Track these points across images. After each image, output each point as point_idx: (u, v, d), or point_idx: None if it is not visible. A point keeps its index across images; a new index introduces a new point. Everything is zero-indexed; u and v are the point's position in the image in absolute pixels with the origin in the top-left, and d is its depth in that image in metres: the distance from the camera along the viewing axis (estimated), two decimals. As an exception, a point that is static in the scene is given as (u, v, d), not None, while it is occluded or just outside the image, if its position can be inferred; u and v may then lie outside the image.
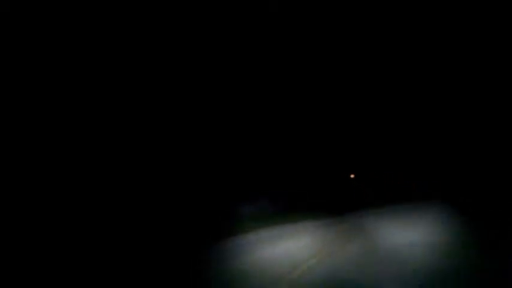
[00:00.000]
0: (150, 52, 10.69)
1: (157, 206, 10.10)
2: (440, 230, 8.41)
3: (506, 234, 6.93)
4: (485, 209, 12.02)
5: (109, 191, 9.10)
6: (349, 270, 5.29)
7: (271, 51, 13.86)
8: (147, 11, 10.45)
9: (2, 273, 5.60)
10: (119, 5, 9.74)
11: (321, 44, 15.05)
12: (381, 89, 18.51)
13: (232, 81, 13.07)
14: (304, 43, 14.60)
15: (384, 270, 5.01)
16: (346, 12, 14.78)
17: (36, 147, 8.22)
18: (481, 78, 17.16)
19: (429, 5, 14.53)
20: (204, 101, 12.44)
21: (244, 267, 6.03)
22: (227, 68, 12.83)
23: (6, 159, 7.73)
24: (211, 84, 12.40)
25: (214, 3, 12.07)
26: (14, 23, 8.28)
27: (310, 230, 10.53)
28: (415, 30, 15.90)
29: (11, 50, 8.42)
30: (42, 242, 6.87)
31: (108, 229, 7.96)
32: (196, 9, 11.67)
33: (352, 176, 23.67)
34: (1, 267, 5.76)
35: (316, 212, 13.46)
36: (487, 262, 5.01)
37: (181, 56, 11.55)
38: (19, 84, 8.42)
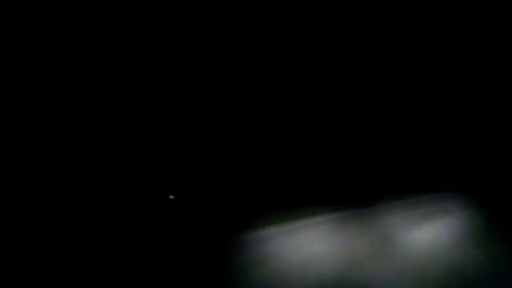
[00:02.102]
0: (150, 51, 10.69)
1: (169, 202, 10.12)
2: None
3: None
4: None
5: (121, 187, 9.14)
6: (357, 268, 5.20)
7: (271, 49, 13.84)
8: (147, 10, 10.45)
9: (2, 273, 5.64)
10: (119, 5, 9.74)
11: (321, 43, 15.03)
12: (381, 89, 18.51)
13: (233, 80, 13.07)
14: (304, 42, 14.57)
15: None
16: (346, 11, 14.74)
17: (31, 147, 8.26)
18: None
19: (429, 5, 14.48)
20: (204, 98, 12.46)
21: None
22: (227, 67, 12.82)
23: (6, 158, 7.77)
24: (211, 82, 12.40)
25: (214, 1, 12.06)
26: (14, 24, 8.30)
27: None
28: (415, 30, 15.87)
29: (11, 50, 8.44)
30: (41, 241, 6.92)
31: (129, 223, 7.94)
32: (195, 7, 11.66)
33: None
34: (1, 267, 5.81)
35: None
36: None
37: (180, 53, 11.56)
38: (19, 84, 8.46)
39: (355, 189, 17.58)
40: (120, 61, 10.03)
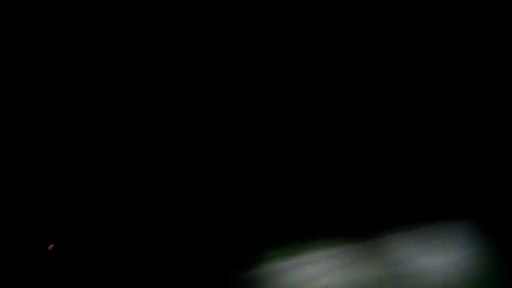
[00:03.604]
0: (150, 51, 10.69)
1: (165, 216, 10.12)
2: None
3: None
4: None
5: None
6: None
7: (271, 49, 13.85)
8: (147, 10, 10.45)
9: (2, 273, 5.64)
10: (119, 5, 9.75)
11: (320, 43, 15.03)
12: (382, 89, 18.52)
13: (232, 81, 13.08)
14: (304, 41, 14.58)
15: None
16: (346, 10, 14.74)
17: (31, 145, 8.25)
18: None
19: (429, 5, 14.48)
20: (204, 98, 12.47)
21: None
22: (227, 67, 12.82)
23: (6, 158, 7.77)
24: (211, 82, 12.40)
25: (214, 1, 12.07)
26: (14, 24, 8.31)
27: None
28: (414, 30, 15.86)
29: (11, 51, 8.44)
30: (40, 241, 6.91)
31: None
32: (194, 6, 11.67)
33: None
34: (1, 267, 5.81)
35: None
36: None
37: (180, 53, 11.56)
38: (19, 84, 8.46)
39: (362, 219, 17.23)
40: (120, 61, 10.03)
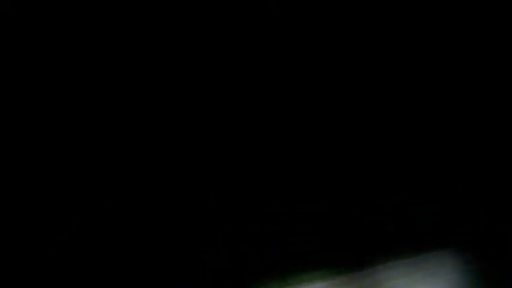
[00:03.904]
0: (150, 51, 10.70)
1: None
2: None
3: None
4: None
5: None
6: None
7: (271, 49, 13.86)
8: (147, 10, 10.45)
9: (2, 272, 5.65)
10: (119, 5, 9.75)
11: (321, 43, 15.04)
12: (382, 89, 18.51)
13: (232, 81, 13.08)
14: (304, 41, 14.58)
15: None
16: (346, 10, 14.74)
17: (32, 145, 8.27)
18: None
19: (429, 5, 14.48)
20: (204, 98, 12.47)
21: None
22: (227, 67, 12.83)
23: (6, 158, 7.78)
24: (211, 82, 12.41)
25: (214, 1, 12.07)
26: (14, 24, 8.31)
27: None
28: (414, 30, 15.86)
29: (11, 50, 8.45)
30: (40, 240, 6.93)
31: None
32: (195, 6, 11.67)
33: None
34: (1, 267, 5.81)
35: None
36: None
37: (180, 53, 11.57)
38: (19, 84, 8.46)
39: (352, 250, 16.92)
40: (120, 61, 10.04)
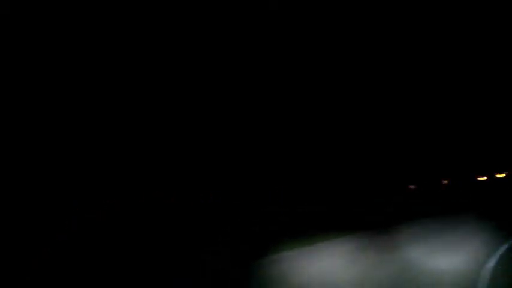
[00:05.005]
0: (150, 51, 10.69)
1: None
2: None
3: None
4: None
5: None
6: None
7: (271, 49, 13.83)
8: (147, 10, 10.44)
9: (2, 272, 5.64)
10: (119, 5, 9.74)
11: (320, 42, 15.02)
12: (382, 91, 18.52)
13: (233, 80, 13.07)
14: (304, 40, 14.56)
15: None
16: (346, 9, 14.72)
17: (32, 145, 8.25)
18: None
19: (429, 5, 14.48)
20: (204, 98, 12.46)
21: None
22: (227, 67, 12.81)
23: (6, 158, 7.77)
24: (211, 82, 12.39)
25: (214, 1, 12.05)
26: (14, 24, 8.30)
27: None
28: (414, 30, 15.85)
29: (11, 50, 8.44)
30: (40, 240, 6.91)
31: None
32: (195, 6, 11.65)
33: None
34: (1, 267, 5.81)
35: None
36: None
37: (180, 53, 11.55)
38: (19, 84, 8.45)
39: (362, 219, 17.11)
40: (119, 61, 10.02)
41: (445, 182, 21.92)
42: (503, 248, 7.69)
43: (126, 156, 9.92)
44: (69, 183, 8.54)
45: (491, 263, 6.21)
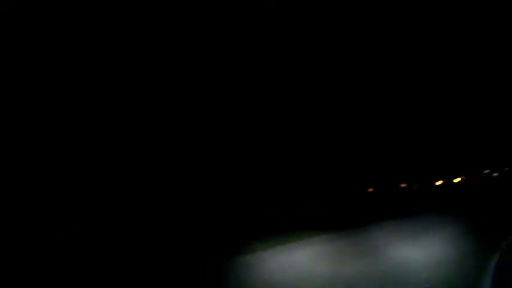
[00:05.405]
0: (150, 51, 10.68)
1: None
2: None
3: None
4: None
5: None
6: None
7: (271, 49, 13.83)
8: (147, 10, 10.43)
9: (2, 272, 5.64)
10: (119, 5, 9.73)
11: (320, 42, 15.01)
12: (381, 90, 18.51)
13: (233, 80, 13.06)
14: (303, 40, 14.56)
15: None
16: (345, 9, 14.72)
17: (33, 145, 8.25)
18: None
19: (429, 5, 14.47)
20: (204, 98, 12.45)
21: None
22: (227, 67, 12.80)
23: (6, 158, 7.76)
24: (212, 82, 12.39)
25: (214, 1, 12.04)
26: (14, 24, 8.29)
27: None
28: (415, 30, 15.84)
29: (11, 50, 8.43)
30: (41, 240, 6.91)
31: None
32: (195, 6, 11.64)
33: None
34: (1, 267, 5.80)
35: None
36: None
37: (181, 53, 11.54)
38: (19, 84, 8.45)
39: (347, 210, 17.33)
40: (119, 61, 10.02)
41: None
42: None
43: (126, 156, 9.91)
44: (69, 183, 8.53)
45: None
